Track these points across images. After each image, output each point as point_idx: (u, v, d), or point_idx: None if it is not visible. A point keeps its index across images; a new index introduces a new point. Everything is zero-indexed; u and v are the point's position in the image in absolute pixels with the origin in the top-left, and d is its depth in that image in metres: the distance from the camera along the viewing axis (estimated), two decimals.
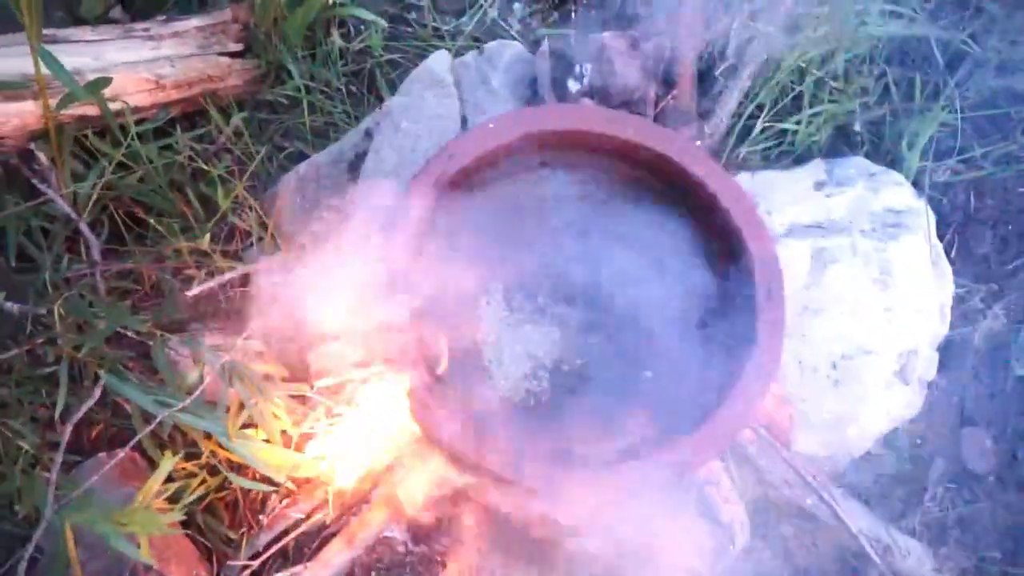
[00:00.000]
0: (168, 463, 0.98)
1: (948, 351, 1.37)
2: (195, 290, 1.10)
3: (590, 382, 1.06)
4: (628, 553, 1.01)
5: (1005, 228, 1.36)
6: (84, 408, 1.06)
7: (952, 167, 1.33)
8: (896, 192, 1.19)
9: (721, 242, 1.05)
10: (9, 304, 1.11)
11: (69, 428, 1.06)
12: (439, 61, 1.21)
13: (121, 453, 1.17)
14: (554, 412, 1.04)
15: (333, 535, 1.20)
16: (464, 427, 0.93)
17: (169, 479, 1.12)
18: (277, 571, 1.22)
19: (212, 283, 1.13)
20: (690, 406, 1.01)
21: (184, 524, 1.27)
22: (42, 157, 1.21)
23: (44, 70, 1.09)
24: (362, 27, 1.38)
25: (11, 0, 1.00)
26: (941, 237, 1.35)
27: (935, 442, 1.36)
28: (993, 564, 1.32)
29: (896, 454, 1.30)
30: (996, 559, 1.33)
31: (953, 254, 1.36)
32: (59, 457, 1.05)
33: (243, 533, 1.28)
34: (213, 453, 1.20)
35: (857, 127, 1.31)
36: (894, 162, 1.30)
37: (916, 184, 1.31)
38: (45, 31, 1.16)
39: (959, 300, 1.35)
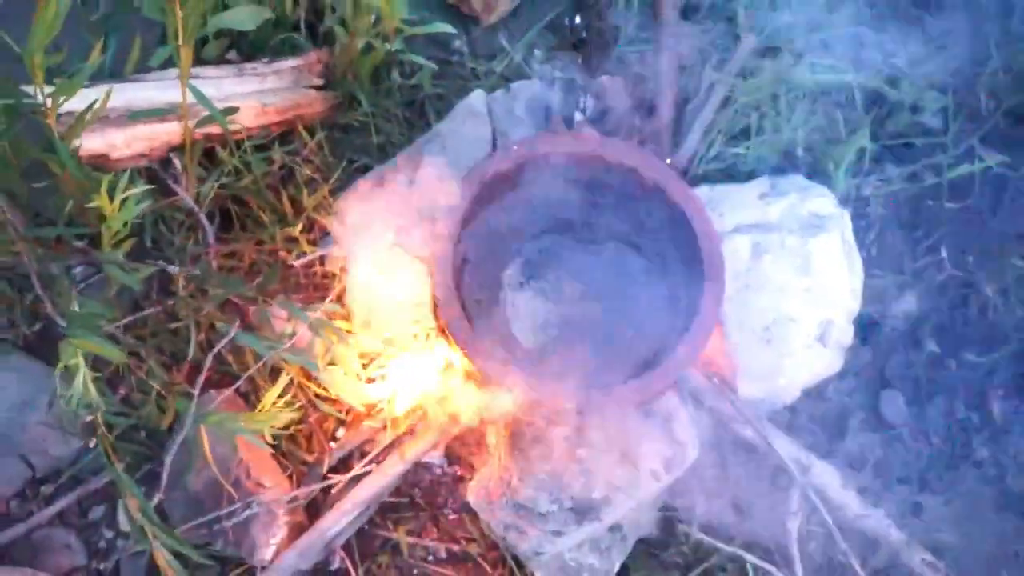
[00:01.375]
0: (284, 379, 1.35)
1: (870, 328, 1.74)
2: (299, 261, 1.48)
3: (585, 335, 1.44)
4: (610, 456, 1.39)
5: (915, 232, 1.74)
6: (220, 345, 1.43)
7: (873, 183, 1.71)
8: (821, 202, 1.57)
9: (682, 235, 1.43)
10: (172, 266, 1.48)
11: (209, 358, 1.43)
12: (477, 98, 1.60)
13: (230, 389, 1.55)
14: (557, 356, 1.42)
15: (389, 453, 1.59)
16: (493, 353, 1.30)
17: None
18: (346, 484, 1.60)
19: (310, 257, 1.51)
20: (656, 351, 1.39)
21: (271, 447, 1.66)
22: (177, 164, 1.61)
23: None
24: (416, 68, 1.77)
25: (173, 51, 1.39)
26: (864, 238, 1.73)
27: (858, 399, 1.72)
28: (902, 493, 1.68)
29: (823, 405, 1.67)
30: (904, 490, 1.69)
31: (874, 251, 1.73)
32: (201, 378, 1.42)
33: (317, 456, 1.66)
34: (302, 387, 1.59)
35: (798, 152, 1.69)
36: (828, 179, 1.68)
37: (845, 197, 1.69)
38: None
39: (877, 288, 1.71)
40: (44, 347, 1.68)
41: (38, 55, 1.12)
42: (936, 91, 1.70)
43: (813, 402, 1.68)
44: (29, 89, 1.32)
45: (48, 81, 1.23)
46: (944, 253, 1.74)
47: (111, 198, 1.23)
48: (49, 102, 1.22)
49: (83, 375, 1.12)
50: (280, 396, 1.47)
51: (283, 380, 1.34)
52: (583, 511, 1.36)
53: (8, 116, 1.27)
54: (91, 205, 1.23)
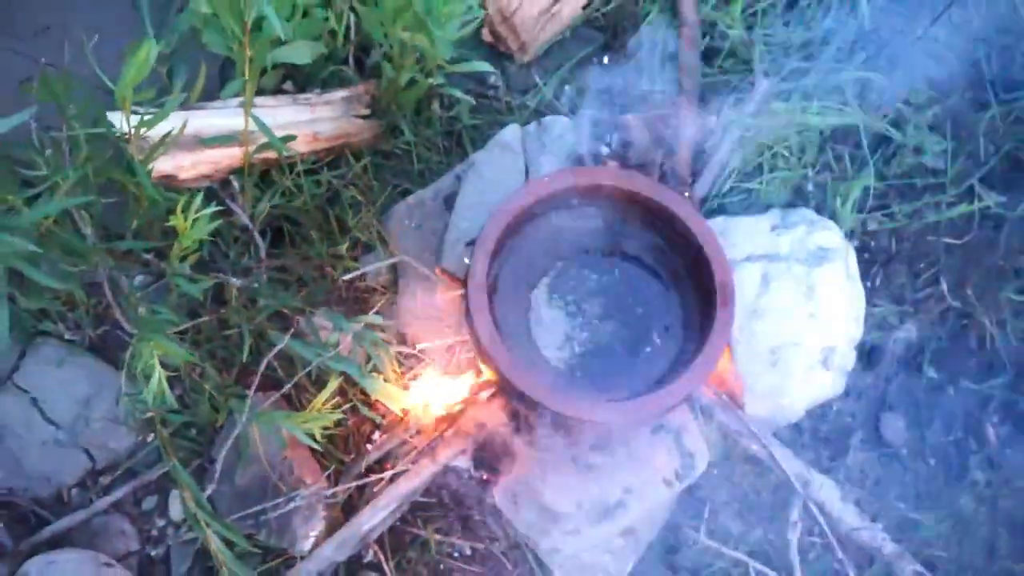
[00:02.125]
0: (334, 383, 1.48)
1: (872, 353, 1.85)
2: (346, 277, 1.61)
3: (605, 353, 1.57)
4: (627, 463, 1.51)
5: (917, 266, 1.86)
6: (274, 351, 1.57)
7: (878, 219, 1.83)
8: (827, 235, 1.69)
9: (696, 264, 1.56)
10: (231, 279, 1.62)
11: (264, 363, 1.57)
12: (511, 132, 1.75)
13: (278, 393, 1.69)
14: (579, 371, 1.55)
15: (422, 456, 1.72)
16: (519, 368, 1.43)
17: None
18: (381, 481, 1.73)
19: (355, 274, 1.64)
20: (671, 368, 1.51)
21: (312, 448, 1.79)
22: (235, 185, 1.76)
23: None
24: (455, 101, 1.92)
25: (241, 86, 1.54)
26: (868, 271, 1.85)
27: (859, 420, 1.84)
28: (896, 510, 1.79)
29: (825, 425, 1.79)
30: (900, 508, 1.80)
31: (877, 282, 1.85)
32: (255, 381, 1.56)
33: (354, 457, 1.80)
34: (343, 392, 1.72)
35: (808, 187, 1.82)
36: (834, 215, 1.80)
37: (851, 232, 1.82)
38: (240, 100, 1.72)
39: (879, 317, 1.83)
40: (106, 349, 1.83)
41: (128, 91, 1.26)
42: (938, 134, 1.83)
43: (816, 422, 1.80)
44: (112, 116, 1.48)
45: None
46: (944, 286, 1.85)
47: (184, 218, 1.38)
48: (132, 131, 1.37)
49: (159, 374, 1.26)
50: (327, 400, 1.60)
51: (332, 385, 1.47)
52: (599, 513, 1.49)
53: (94, 142, 1.42)
54: (168, 224, 1.37)
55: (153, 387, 1.27)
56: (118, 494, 1.77)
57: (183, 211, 1.35)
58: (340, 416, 1.47)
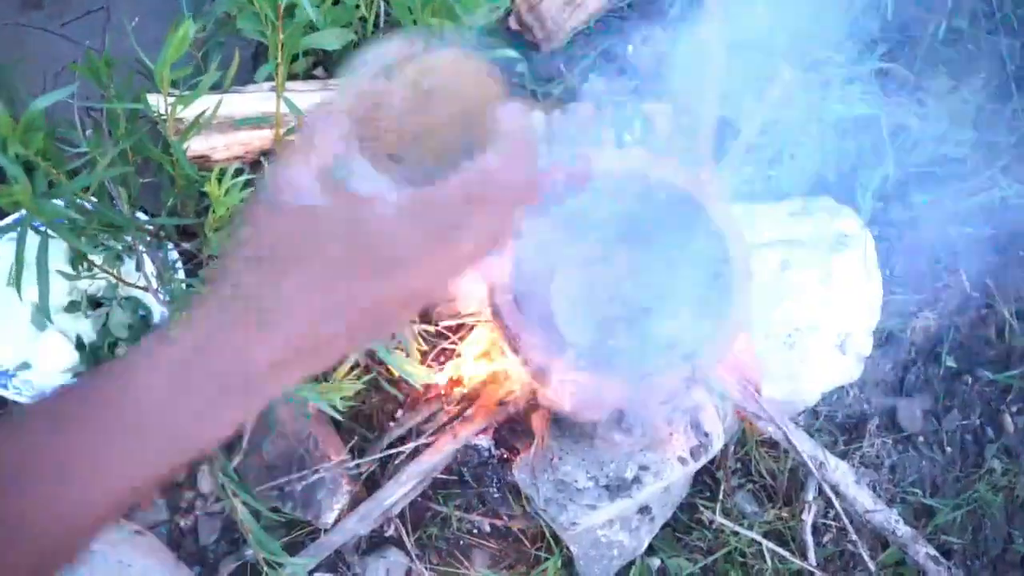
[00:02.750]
0: (353, 355, 1.52)
1: (890, 341, 1.87)
2: None
3: (624, 332, 1.60)
4: (643, 441, 1.54)
5: (936, 254, 1.87)
6: None
7: (898, 207, 1.85)
8: (847, 222, 1.71)
9: (716, 245, 1.58)
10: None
11: None
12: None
13: None
14: (598, 350, 1.58)
15: (443, 432, 1.76)
16: (539, 345, 1.47)
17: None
18: (402, 456, 1.78)
19: None
20: (689, 348, 1.54)
21: (336, 425, 1.84)
22: (265, 165, 1.81)
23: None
24: None
25: (272, 68, 1.59)
26: (888, 259, 1.87)
27: (876, 406, 1.86)
28: (913, 496, 1.81)
29: (842, 410, 1.81)
30: (916, 494, 1.82)
31: (896, 270, 1.87)
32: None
33: (378, 434, 1.84)
34: (368, 369, 1.77)
35: (829, 175, 1.84)
36: (855, 202, 1.82)
37: (871, 219, 1.84)
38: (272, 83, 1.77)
39: (898, 304, 1.85)
40: None
41: (166, 70, 1.31)
42: (960, 124, 1.84)
43: (832, 407, 1.82)
44: (150, 98, 1.54)
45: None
46: (964, 275, 1.86)
47: (219, 185, 1.43)
48: (169, 110, 1.42)
49: None
50: (347, 374, 1.64)
51: (352, 357, 1.51)
52: (616, 488, 1.52)
53: (132, 121, 1.47)
54: (203, 190, 1.42)
55: None
56: None
57: (220, 176, 1.40)
58: (361, 387, 1.51)
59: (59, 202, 1.31)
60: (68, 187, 1.17)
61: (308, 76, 1.92)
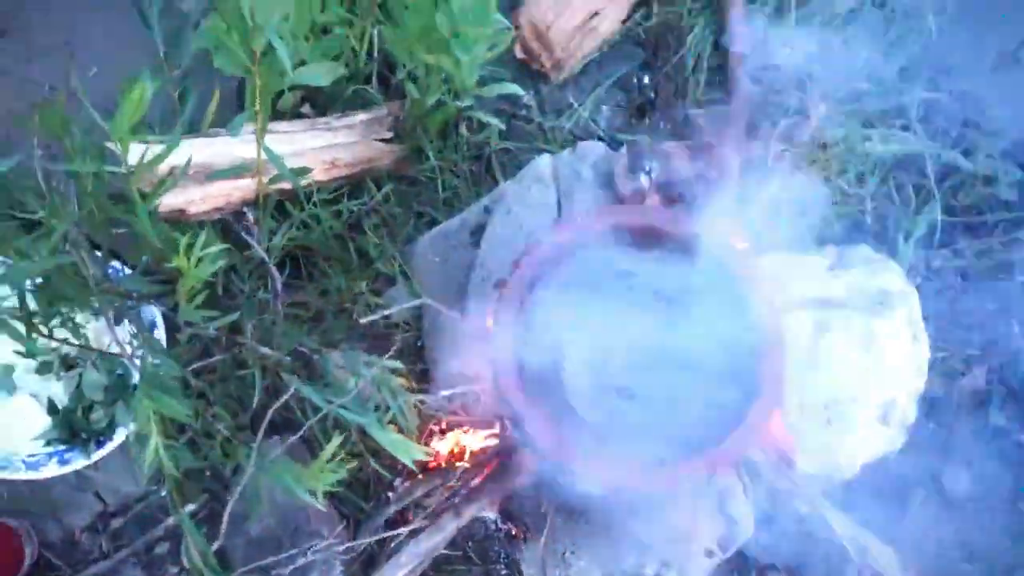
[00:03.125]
0: (337, 440, 1.37)
1: (935, 401, 1.71)
2: (365, 319, 1.50)
3: (642, 410, 1.45)
4: (665, 532, 1.39)
5: (985, 306, 1.70)
6: (281, 401, 1.47)
7: (943, 256, 1.68)
8: (888, 276, 1.54)
9: (743, 308, 1.42)
10: (241, 317, 1.52)
11: (270, 413, 1.47)
12: (543, 163, 1.61)
13: (294, 437, 1.59)
14: (613, 429, 1.43)
15: (445, 509, 1.61)
16: (546, 424, 1.31)
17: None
18: (401, 536, 1.63)
19: (379, 315, 1.53)
20: (715, 431, 1.38)
21: (328, 495, 1.70)
22: (250, 217, 1.65)
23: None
24: (484, 124, 1.80)
25: (251, 116, 1.44)
26: (932, 311, 1.70)
27: (919, 474, 1.70)
28: (964, 572, 1.65)
29: (883, 480, 1.65)
30: (966, 570, 1.66)
31: (943, 325, 1.70)
32: (261, 431, 1.46)
33: (373, 505, 1.70)
34: (357, 443, 1.62)
35: (868, 221, 1.67)
36: (896, 251, 1.65)
37: (914, 269, 1.67)
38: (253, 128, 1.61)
39: (942, 362, 1.69)
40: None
41: (125, 131, 1.16)
42: (1013, 163, 1.66)
43: (873, 476, 1.66)
44: (112, 147, 1.38)
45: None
46: (1016, 328, 1.69)
47: (188, 258, 1.28)
48: (133, 169, 1.27)
49: (155, 443, 1.16)
50: (340, 448, 1.50)
51: (335, 440, 1.36)
52: None
53: (98, 176, 1.32)
54: (169, 265, 1.27)
55: (150, 454, 1.17)
56: (133, 548, 1.71)
57: (188, 247, 1.25)
58: (345, 474, 1.36)
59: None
60: (19, 272, 1.02)
61: (295, 114, 1.76)
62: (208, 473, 1.71)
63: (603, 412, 1.44)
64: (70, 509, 1.72)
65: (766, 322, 1.39)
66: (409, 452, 1.52)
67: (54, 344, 1.61)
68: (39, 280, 1.26)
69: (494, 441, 1.55)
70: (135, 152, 1.30)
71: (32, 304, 1.27)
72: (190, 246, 1.27)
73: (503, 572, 1.65)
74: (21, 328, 1.11)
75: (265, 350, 1.50)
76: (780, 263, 1.57)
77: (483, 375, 1.54)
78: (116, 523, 1.73)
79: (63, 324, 1.34)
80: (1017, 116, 1.67)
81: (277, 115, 1.74)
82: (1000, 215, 1.67)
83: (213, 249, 1.30)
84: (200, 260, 1.28)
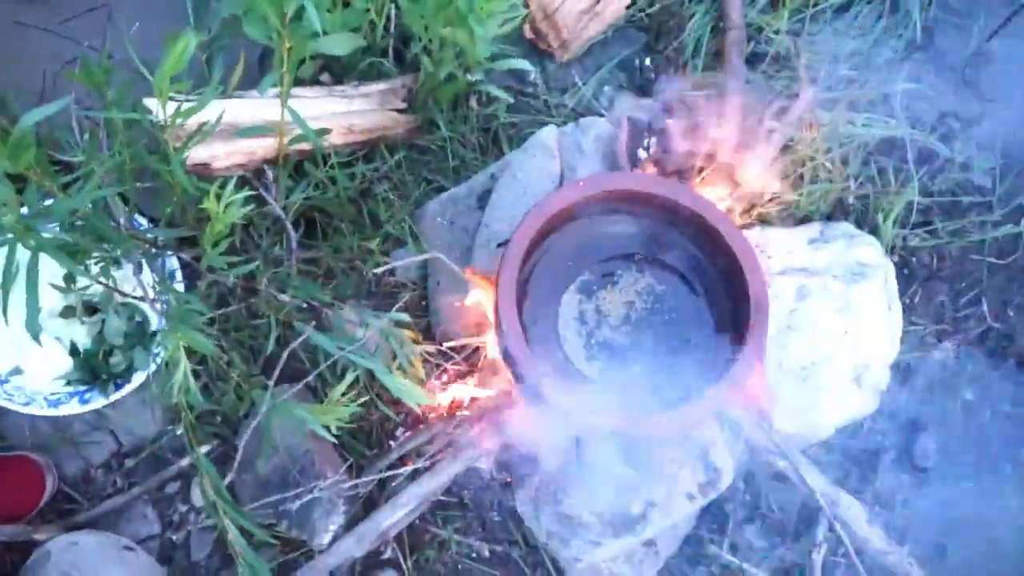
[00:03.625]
0: (350, 377, 1.47)
1: (907, 372, 1.82)
2: (376, 271, 1.60)
3: (634, 363, 1.55)
4: (651, 475, 1.49)
5: (958, 284, 1.81)
6: (296, 343, 1.56)
7: (920, 235, 1.79)
8: (867, 250, 1.65)
9: (732, 276, 1.53)
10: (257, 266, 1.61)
11: (285, 354, 1.56)
12: (548, 133, 1.72)
13: (305, 380, 1.68)
14: (607, 380, 1.53)
15: (444, 455, 1.71)
16: (545, 374, 1.41)
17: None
18: (401, 479, 1.73)
19: (389, 267, 1.62)
20: (700, 383, 1.48)
21: (335, 440, 1.79)
22: (269, 175, 1.75)
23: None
24: (493, 98, 1.90)
25: (276, 74, 1.54)
26: (907, 288, 1.81)
27: (891, 440, 1.80)
28: (926, 534, 1.75)
29: (856, 443, 1.75)
30: (930, 532, 1.76)
31: (917, 300, 1.81)
32: (276, 370, 1.56)
33: (377, 452, 1.79)
34: (363, 391, 1.72)
35: (850, 200, 1.77)
36: (875, 229, 1.76)
37: (892, 248, 1.78)
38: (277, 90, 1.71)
39: (917, 335, 1.79)
40: None
41: (165, 84, 1.26)
42: (987, 151, 1.77)
43: (847, 440, 1.76)
44: (149, 103, 1.48)
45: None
46: (985, 307, 1.80)
47: (218, 201, 1.38)
48: (169, 120, 1.36)
49: (183, 367, 1.26)
50: (345, 393, 1.59)
51: (348, 378, 1.46)
52: (621, 525, 1.47)
53: (130, 128, 1.42)
54: (202, 206, 1.37)
55: (178, 380, 1.27)
56: (147, 485, 1.79)
57: (216, 196, 1.35)
58: (357, 409, 1.45)
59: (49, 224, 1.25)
60: (61, 206, 1.12)
61: (315, 81, 1.86)
62: (219, 419, 1.80)
63: (597, 365, 1.54)
64: (87, 447, 1.80)
65: (751, 286, 1.49)
66: (414, 396, 1.62)
67: (86, 282, 1.71)
68: (79, 221, 1.35)
69: (493, 391, 1.64)
70: (170, 106, 1.40)
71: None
72: (220, 192, 1.37)
73: (496, 519, 1.74)
74: (67, 259, 1.20)
75: (282, 296, 1.59)
76: (766, 235, 1.68)
77: (485, 329, 1.64)
78: (130, 462, 1.82)
79: (101, 261, 1.42)
80: (992, 107, 1.78)
81: (298, 82, 1.83)
82: (974, 198, 1.78)
83: (240, 195, 1.40)
84: (228, 205, 1.38)
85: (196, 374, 1.76)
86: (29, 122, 1.11)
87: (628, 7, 1.96)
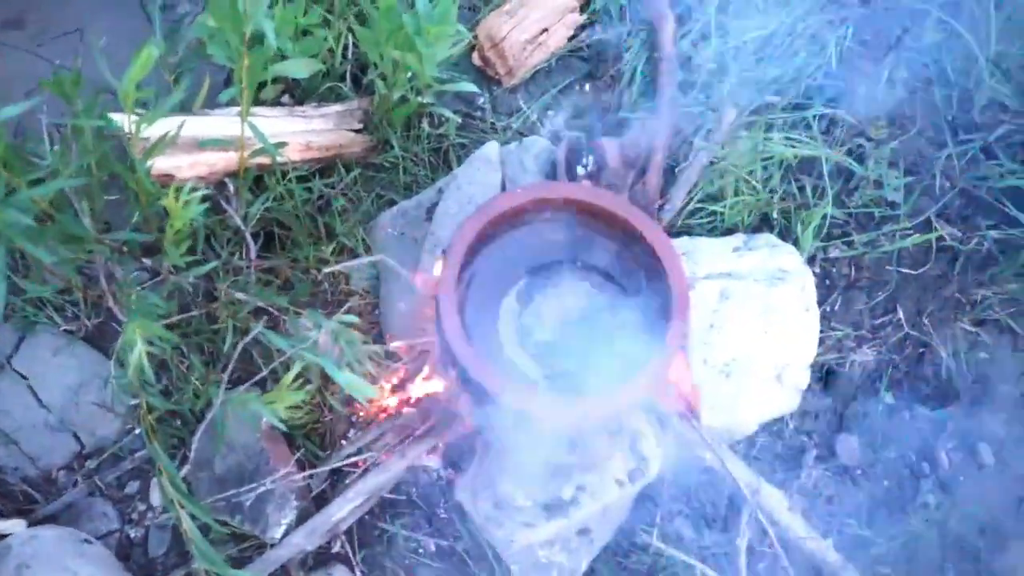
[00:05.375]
0: (298, 365, 1.56)
1: (830, 375, 1.93)
2: (328, 269, 1.70)
3: (569, 358, 1.65)
4: (582, 462, 1.59)
5: (875, 294, 1.94)
6: (248, 337, 1.64)
7: (839, 247, 1.92)
8: (787, 258, 1.78)
9: (657, 275, 1.64)
10: (218, 269, 1.71)
11: (240, 346, 1.66)
12: (491, 148, 1.85)
13: (258, 376, 1.76)
14: (543, 374, 1.63)
15: (392, 451, 1.79)
16: (483, 367, 1.51)
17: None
18: (352, 478, 1.81)
19: (337, 267, 1.73)
20: (628, 374, 1.59)
21: (289, 443, 1.87)
22: (230, 187, 1.86)
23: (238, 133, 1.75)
24: (443, 119, 2.03)
25: (238, 92, 1.66)
26: (828, 296, 1.93)
27: (814, 439, 1.91)
28: (848, 527, 1.85)
29: (780, 441, 1.86)
30: (851, 525, 1.86)
31: (836, 307, 1.94)
32: (231, 364, 1.65)
33: (329, 453, 1.88)
34: (320, 391, 1.81)
35: (773, 214, 1.91)
36: (796, 241, 1.90)
37: (812, 258, 1.91)
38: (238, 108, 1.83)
39: (837, 340, 1.92)
40: (101, 339, 1.93)
41: (131, 90, 1.38)
42: (897, 169, 1.92)
43: (771, 438, 1.87)
44: (115, 116, 1.60)
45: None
46: (901, 314, 1.93)
47: (176, 199, 1.49)
48: (133, 128, 1.48)
49: (139, 350, 1.35)
50: (294, 381, 1.66)
51: (297, 367, 1.55)
52: (553, 508, 1.56)
53: (98, 137, 1.53)
54: (161, 203, 1.48)
55: (134, 362, 1.36)
56: (107, 479, 1.86)
57: (176, 191, 1.46)
58: (304, 396, 1.54)
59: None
60: (27, 193, 1.22)
61: (276, 103, 1.99)
62: (179, 422, 1.88)
63: (534, 362, 1.64)
64: (50, 450, 1.87)
65: (676, 288, 1.61)
66: (361, 390, 1.71)
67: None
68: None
69: (438, 389, 1.74)
70: (135, 117, 1.51)
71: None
72: (178, 190, 1.48)
73: (442, 515, 1.83)
74: (31, 244, 1.30)
75: (239, 295, 1.69)
76: (694, 243, 1.81)
77: (430, 330, 1.74)
78: (92, 463, 1.89)
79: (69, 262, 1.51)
80: (900, 129, 1.94)
81: (260, 102, 1.96)
82: (886, 212, 1.92)
83: (197, 194, 1.51)
84: (187, 203, 1.49)
85: (157, 376, 1.85)
86: (2, 116, 1.22)
87: (570, 39, 2.11)
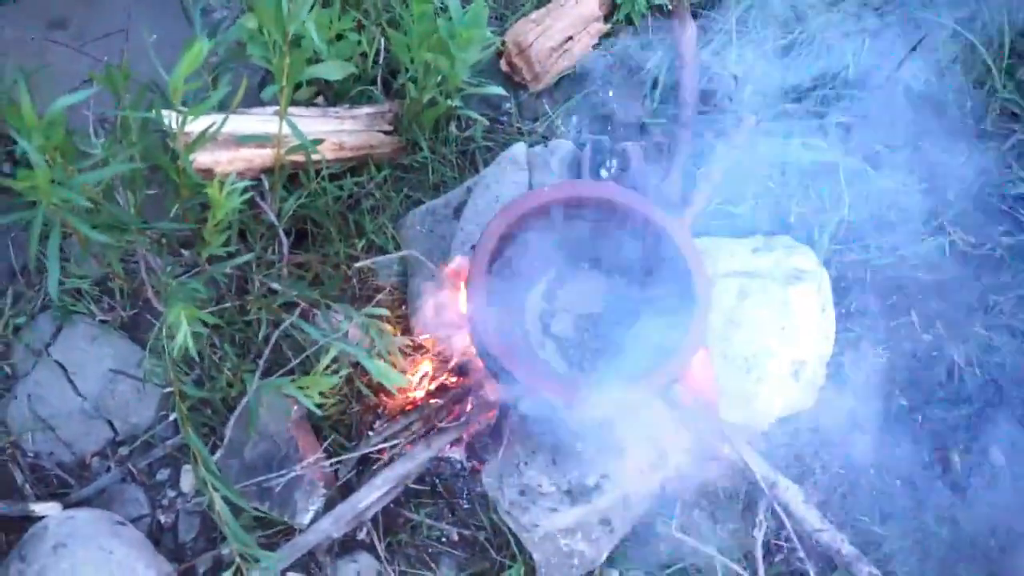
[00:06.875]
0: (332, 352, 1.61)
1: (845, 376, 1.98)
2: (358, 264, 1.76)
3: (595, 351, 1.71)
4: (605, 452, 1.63)
5: (890, 297, 1.99)
6: (282, 327, 1.70)
7: (854, 251, 1.98)
8: (804, 259, 1.83)
9: (679, 272, 1.69)
10: (252, 261, 1.76)
11: (275, 336, 1.71)
12: (518, 149, 1.92)
13: (290, 365, 1.82)
14: (569, 365, 1.68)
15: (418, 440, 1.84)
16: (511, 355, 1.56)
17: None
18: (378, 466, 1.85)
19: (370, 261, 1.79)
20: (652, 365, 1.64)
21: (317, 433, 1.93)
22: (265, 183, 1.93)
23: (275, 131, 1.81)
24: (471, 123, 2.10)
25: (277, 91, 1.72)
26: (843, 298, 1.98)
27: (829, 436, 1.95)
28: (861, 524, 1.89)
29: (796, 437, 1.90)
30: (865, 522, 1.90)
31: (852, 309, 1.98)
32: (262, 359, 1.71)
33: (355, 443, 1.92)
34: (350, 380, 1.86)
35: (791, 217, 1.97)
36: (813, 243, 1.95)
37: (828, 261, 1.96)
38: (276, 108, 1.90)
39: (853, 342, 1.96)
40: (136, 330, 1.99)
41: (180, 83, 1.44)
42: (913, 175, 1.98)
43: (788, 434, 1.91)
44: (163, 113, 1.66)
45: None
46: (915, 318, 1.98)
47: (220, 189, 1.55)
48: (178, 121, 1.54)
49: (185, 330, 1.41)
50: (325, 369, 1.70)
51: (331, 352, 1.59)
52: (577, 494, 1.61)
53: (143, 130, 1.59)
54: (204, 192, 1.54)
55: (179, 341, 1.42)
56: (139, 466, 1.91)
57: (220, 182, 1.52)
58: (337, 380, 1.59)
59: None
60: (81, 178, 1.29)
61: (310, 103, 2.05)
62: (210, 411, 1.94)
63: (560, 353, 1.69)
64: (84, 437, 1.92)
65: (698, 285, 1.66)
66: (392, 378, 1.76)
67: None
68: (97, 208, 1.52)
69: (465, 380, 1.79)
70: (177, 116, 1.58)
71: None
72: (221, 182, 1.54)
73: (465, 505, 1.87)
74: (84, 224, 1.36)
75: (273, 285, 1.75)
76: (714, 243, 1.86)
77: (458, 322, 1.80)
78: (124, 450, 1.94)
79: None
80: (915, 137, 2.00)
81: (295, 103, 2.03)
82: (902, 217, 1.98)
83: (239, 185, 1.57)
84: (229, 193, 1.55)
85: (190, 366, 1.91)
86: (61, 105, 1.29)
87: (595, 47, 2.18)
